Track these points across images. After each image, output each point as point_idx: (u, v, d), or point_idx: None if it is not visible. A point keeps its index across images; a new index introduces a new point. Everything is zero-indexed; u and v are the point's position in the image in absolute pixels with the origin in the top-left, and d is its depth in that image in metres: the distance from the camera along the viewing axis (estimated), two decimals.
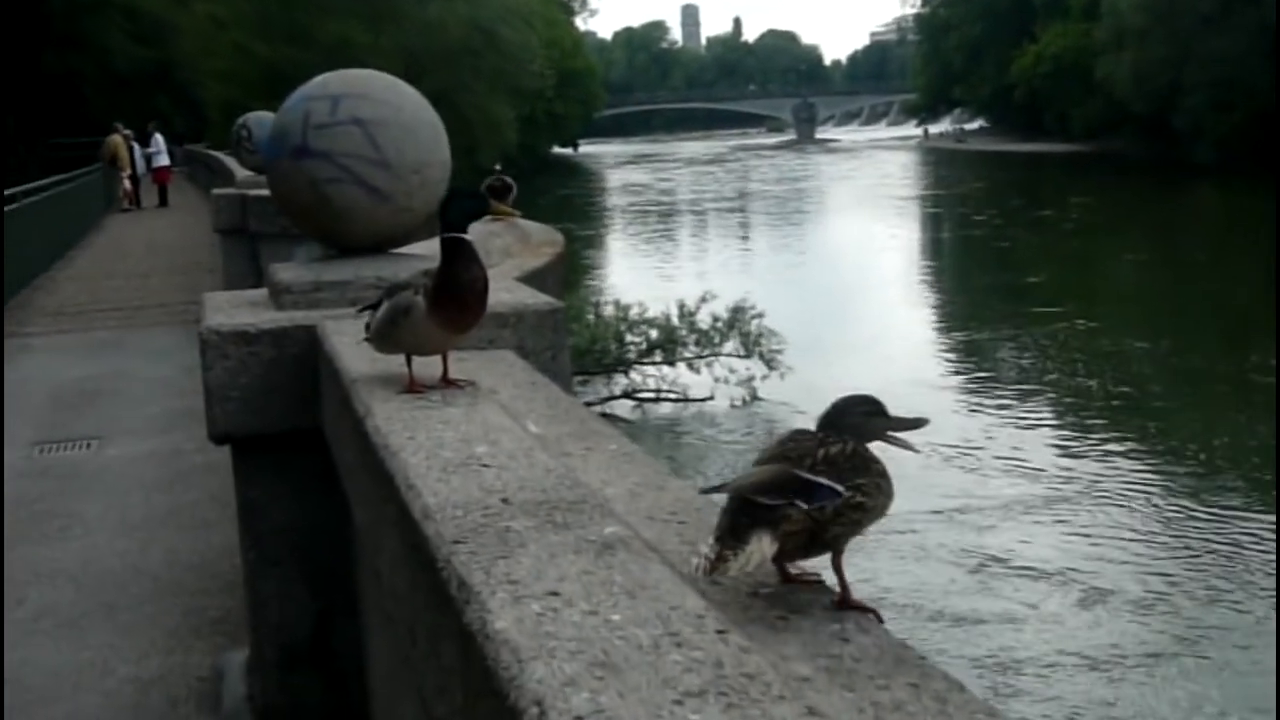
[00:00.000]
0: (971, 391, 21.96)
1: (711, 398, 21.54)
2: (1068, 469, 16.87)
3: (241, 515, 4.38)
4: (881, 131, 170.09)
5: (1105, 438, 18.48)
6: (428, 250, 5.13)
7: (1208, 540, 13.98)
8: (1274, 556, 12.83)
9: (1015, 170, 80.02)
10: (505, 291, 4.43)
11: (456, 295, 3.00)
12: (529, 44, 59.37)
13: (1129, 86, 71.48)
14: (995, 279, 34.81)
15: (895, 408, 1.99)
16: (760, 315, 22.33)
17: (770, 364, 21.65)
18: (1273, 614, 11.59)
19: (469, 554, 1.82)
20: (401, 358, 3.20)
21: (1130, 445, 18.08)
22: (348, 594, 4.26)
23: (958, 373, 23.86)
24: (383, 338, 3.15)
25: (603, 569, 1.75)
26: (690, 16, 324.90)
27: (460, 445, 2.49)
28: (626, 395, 21.86)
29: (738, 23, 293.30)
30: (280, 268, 4.56)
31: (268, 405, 4.11)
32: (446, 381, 3.17)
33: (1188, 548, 13.83)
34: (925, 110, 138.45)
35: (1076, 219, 48.25)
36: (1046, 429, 19.36)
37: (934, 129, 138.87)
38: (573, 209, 59.68)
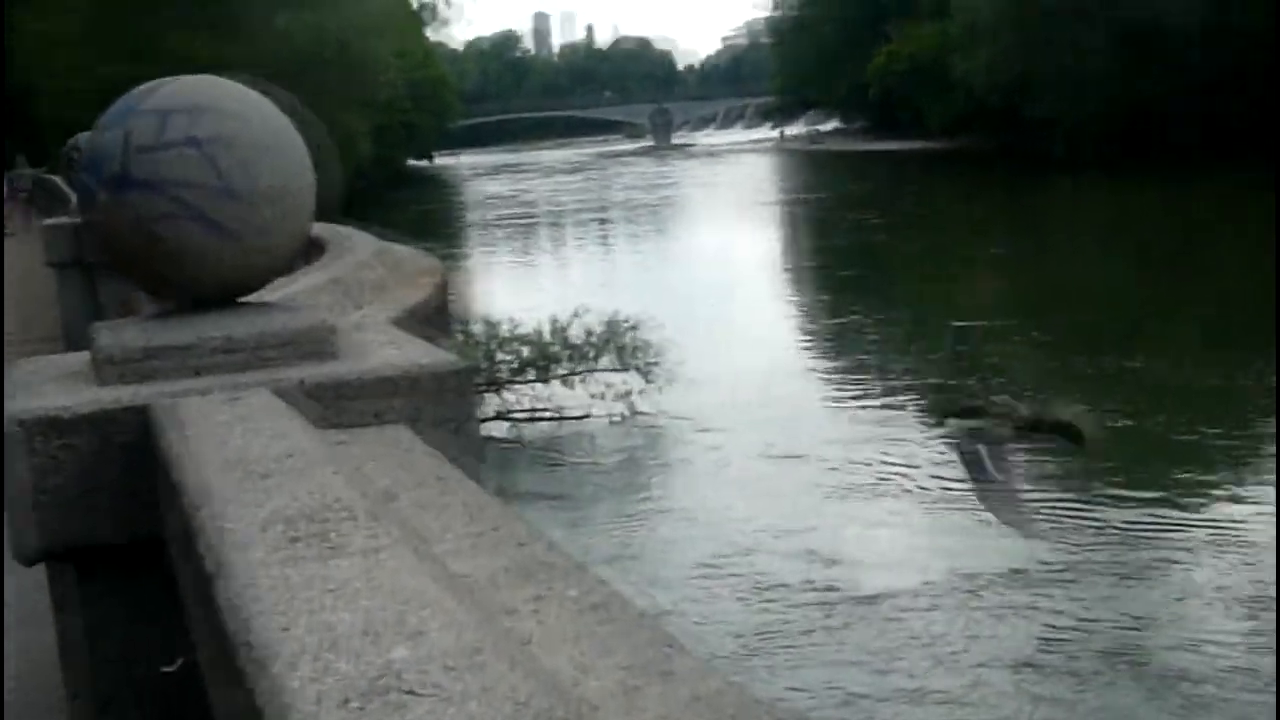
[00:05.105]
0: (847, 402, 21.63)
1: (589, 414, 20.95)
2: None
3: (63, 651, 3.38)
4: (738, 134, 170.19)
5: None
6: (287, 297, 4.18)
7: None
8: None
9: (880, 169, 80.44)
10: (391, 346, 3.52)
11: None
12: (380, 54, 58.28)
13: (984, 83, 72.07)
14: (885, 285, 34.71)
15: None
16: (635, 328, 21.75)
17: (648, 377, 21.17)
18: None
19: None
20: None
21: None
22: None
23: (837, 383, 23.48)
24: None
25: None
26: (542, 25, 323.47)
27: (364, 644, 1.54)
28: (499, 416, 21.09)
29: (590, 30, 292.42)
30: (103, 328, 3.54)
31: (91, 512, 3.13)
32: None
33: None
34: (780, 112, 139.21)
35: (961, 218, 48.80)
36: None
37: (790, 130, 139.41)
38: (433, 224, 58.44)
